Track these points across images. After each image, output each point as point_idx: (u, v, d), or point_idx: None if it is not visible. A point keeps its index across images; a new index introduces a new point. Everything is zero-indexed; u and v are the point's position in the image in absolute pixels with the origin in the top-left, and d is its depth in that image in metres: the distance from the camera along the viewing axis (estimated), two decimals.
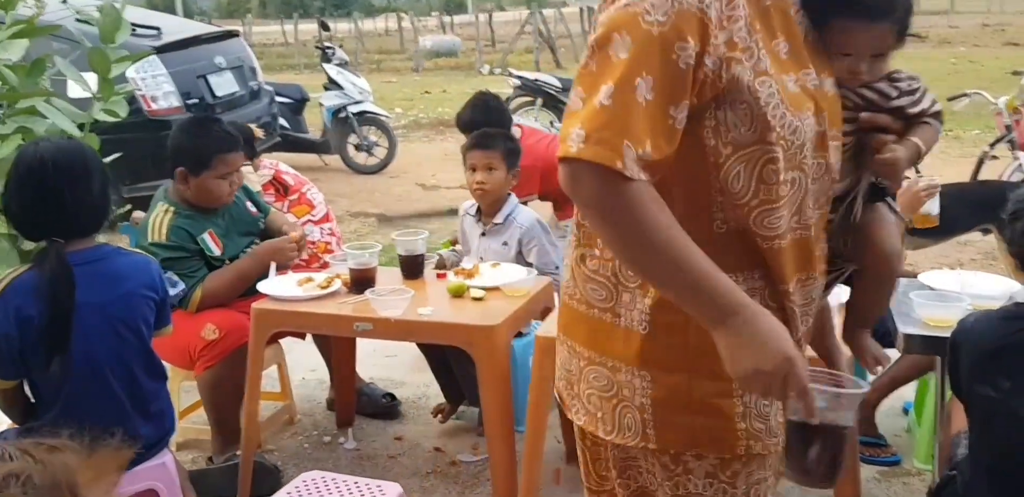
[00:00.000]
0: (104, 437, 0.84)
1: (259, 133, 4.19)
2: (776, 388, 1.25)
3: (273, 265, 3.18)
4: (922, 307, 2.38)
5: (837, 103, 1.41)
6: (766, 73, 1.29)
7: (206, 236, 3.13)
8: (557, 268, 3.33)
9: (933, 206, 3.22)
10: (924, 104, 1.47)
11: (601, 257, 1.41)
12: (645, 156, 1.22)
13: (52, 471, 0.75)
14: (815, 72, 1.36)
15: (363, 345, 3.76)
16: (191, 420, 3.39)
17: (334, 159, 8.97)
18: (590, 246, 1.43)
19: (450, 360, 3.30)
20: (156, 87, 6.57)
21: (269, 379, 3.55)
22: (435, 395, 3.60)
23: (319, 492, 2.33)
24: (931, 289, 2.61)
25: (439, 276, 3.15)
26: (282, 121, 8.56)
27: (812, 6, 1.37)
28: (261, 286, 3.03)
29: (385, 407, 3.60)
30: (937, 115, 1.49)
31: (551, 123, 9.06)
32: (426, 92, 14.95)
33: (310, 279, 3.07)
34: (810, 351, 1.54)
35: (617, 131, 1.22)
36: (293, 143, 8.68)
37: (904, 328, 2.37)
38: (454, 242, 3.81)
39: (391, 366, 4.02)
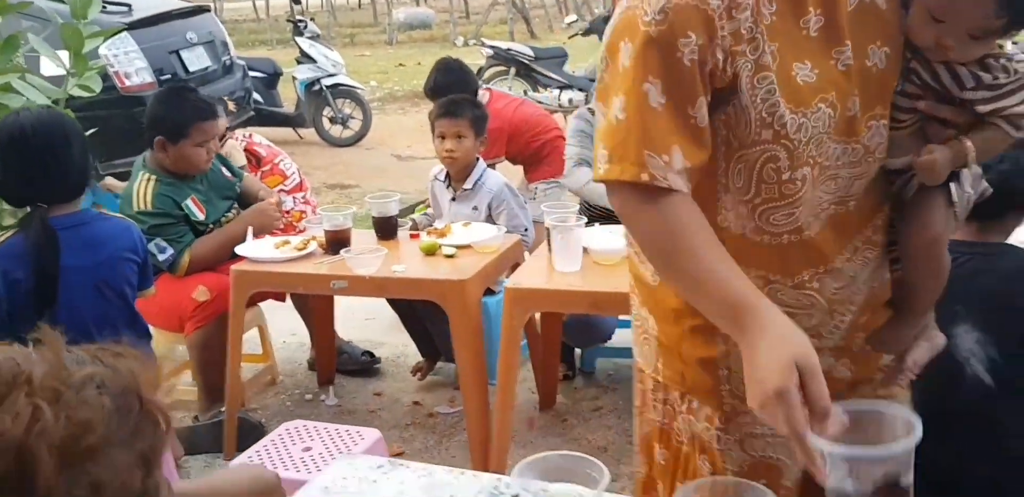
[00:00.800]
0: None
1: (231, 106, 4.27)
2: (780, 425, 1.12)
3: (251, 229, 3.29)
4: None
5: (884, 79, 1.30)
6: (768, 68, 1.23)
7: (189, 202, 3.23)
8: (526, 230, 3.45)
9: None
10: (1004, 103, 1.28)
11: None
12: (676, 163, 1.20)
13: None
14: (852, 47, 1.26)
15: (342, 308, 3.88)
16: (179, 380, 3.50)
17: (309, 132, 9.01)
18: None
19: (424, 319, 3.42)
20: (128, 63, 6.59)
21: (251, 343, 3.66)
22: (413, 354, 3.73)
23: (301, 439, 2.46)
24: None
25: (412, 236, 3.26)
26: (256, 95, 8.57)
27: None
28: (239, 249, 3.14)
29: (365, 365, 3.73)
30: (1016, 119, 1.29)
31: (524, 92, 9.14)
32: (400, 65, 14.92)
33: (287, 242, 3.18)
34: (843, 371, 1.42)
35: (636, 144, 1.20)
36: (267, 117, 8.70)
37: None
38: (426, 206, 3.92)
39: (370, 328, 4.14)
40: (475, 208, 3.45)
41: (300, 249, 3.10)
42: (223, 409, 3.13)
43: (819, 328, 1.39)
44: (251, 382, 3.54)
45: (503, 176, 3.60)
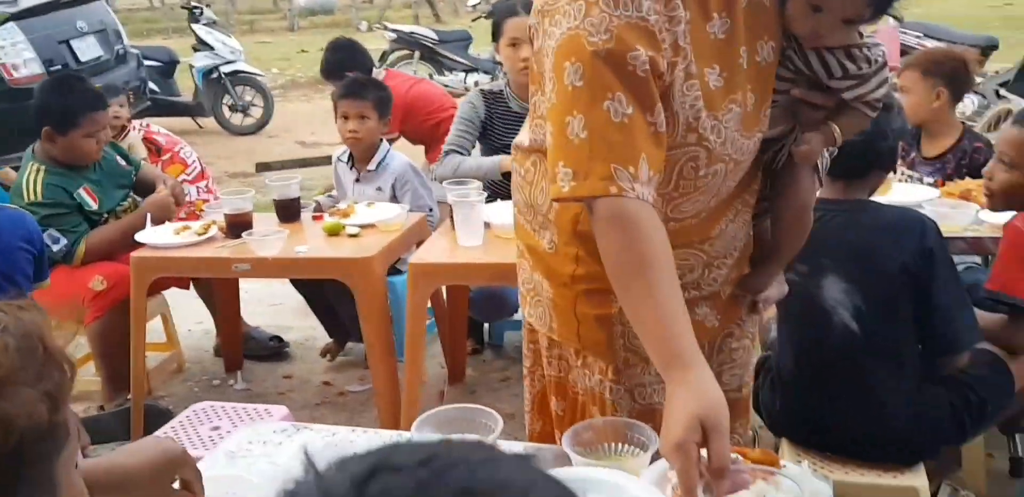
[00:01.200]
0: None
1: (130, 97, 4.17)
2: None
3: (149, 216, 3.24)
4: None
5: (771, 71, 1.40)
6: (693, 76, 1.31)
7: (82, 191, 3.17)
8: (431, 210, 3.48)
9: None
10: (864, 89, 1.41)
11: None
12: (643, 173, 1.24)
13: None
14: (746, 44, 1.35)
15: (248, 296, 3.85)
16: (79, 373, 3.43)
17: (209, 122, 8.84)
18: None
19: (331, 300, 3.43)
20: (16, 55, 6.36)
21: (157, 332, 3.62)
22: (322, 337, 3.73)
23: (209, 419, 2.46)
24: None
25: (315, 218, 3.26)
26: (151, 85, 8.38)
27: None
28: (139, 236, 3.10)
29: (273, 349, 3.72)
30: (874, 103, 1.45)
31: (430, 75, 9.12)
32: (303, 51, 14.68)
33: (187, 227, 3.15)
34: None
35: (603, 159, 1.24)
36: (165, 107, 8.50)
37: None
38: (328, 189, 3.91)
39: (277, 313, 4.12)
40: (379, 189, 3.47)
41: (201, 234, 3.07)
42: (129, 397, 3.09)
43: (699, 281, 1.51)
44: (156, 370, 3.50)
45: (407, 157, 3.62)
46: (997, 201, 2.25)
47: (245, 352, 3.66)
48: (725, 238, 1.51)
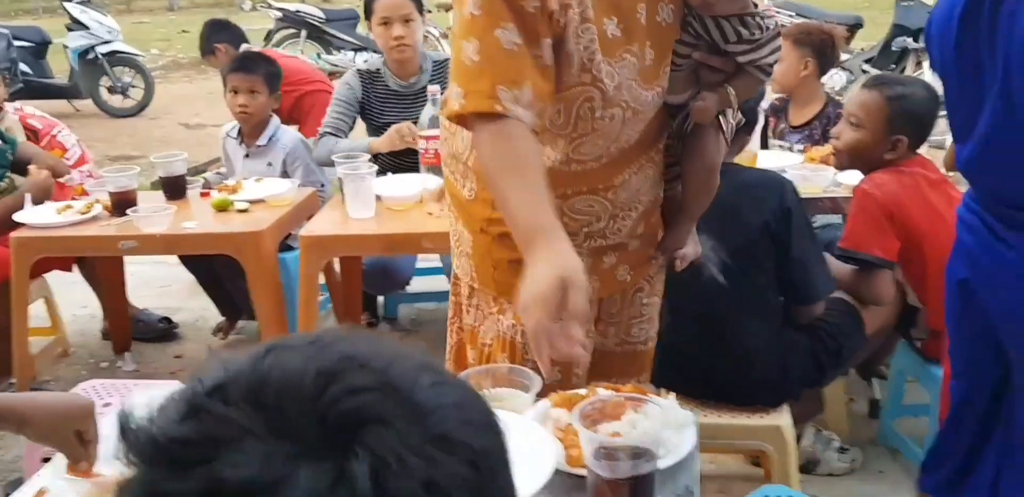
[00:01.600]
0: None
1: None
2: (542, 332, 1.24)
3: (28, 196, 3.16)
4: None
5: (671, 32, 1.52)
6: (589, 20, 1.42)
7: None
8: (323, 186, 3.49)
9: None
10: (756, 55, 1.53)
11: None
12: (524, 96, 1.35)
13: None
14: (647, 4, 1.47)
15: (136, 279, 3.79)
16: None
17: (86, 104, 8.54)
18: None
19: (223, 278, 3.41)
20: None
21: (39, 317, 3.53)
22: (213, 317, 3.70)
23: (100, 397, 2.43)
24: None
25: (203, 195, 3.23)
26: (23, 66, 8.04)
27: None
28: (18, 216, 3.02)
29: (163, 331, 3.67)
30: (766, 67, 1.57)
31: (318, 55, 9.01)
32: (184, 31, 14.24)
33: (69, 206, 3.08)
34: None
35: (490, 80, 1.35)
36: (38, 89, 8.17)
37: None
38: (217, 166, 3.87)
39: (166, 295, 4.07)
40: (269, 165, 3.45)
41: (84, 213, 3.01)
42: (13, 381, 3.03)
43: (605, 230, 1.65)
44: (41, 355, 3.42)
45: (298, 133, 3.61)
46: (843, 159, 2.43)
47: (134, 335, 3.60)
48: (630, 189, 1.62)
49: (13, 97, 7.43)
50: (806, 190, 2.48)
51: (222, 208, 3.04)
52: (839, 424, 2.61)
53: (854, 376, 2.83)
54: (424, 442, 0.53)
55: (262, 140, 3.43)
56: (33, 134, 3.91)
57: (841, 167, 2.52)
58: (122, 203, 3.01)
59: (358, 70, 3.44)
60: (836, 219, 2.89)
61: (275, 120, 3.49)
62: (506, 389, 1.49)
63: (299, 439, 0.51)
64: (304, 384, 0.54)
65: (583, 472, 1.24)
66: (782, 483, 2.07)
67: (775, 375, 2.11)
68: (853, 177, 2.76)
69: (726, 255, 2.06)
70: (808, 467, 2.45)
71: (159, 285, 4.13)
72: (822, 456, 2.48)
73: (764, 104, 3.08)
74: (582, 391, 1.46)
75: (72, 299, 3.83)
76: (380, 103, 3.35)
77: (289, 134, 3.50)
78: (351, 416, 0.52)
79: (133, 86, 8.56)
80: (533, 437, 1.32)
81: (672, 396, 1.41)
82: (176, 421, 0.54)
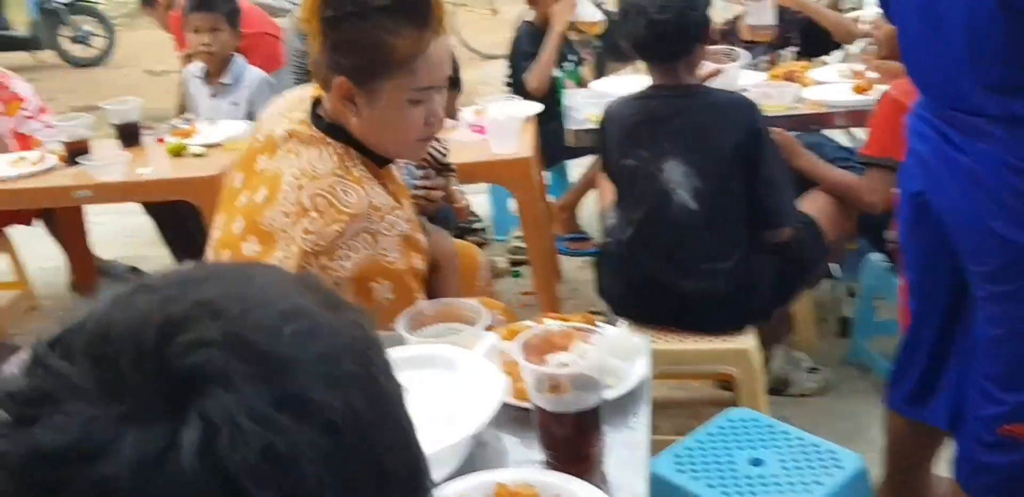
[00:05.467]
0: None
1: None
2: None
3: None
4: (584, 106, 2.70)
5: None
6: None
7: None
8: None
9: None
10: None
11: None
12: None
13: None
14: None
15: (102, 227, 3.73)
16: None
17: (48, 55, 8.32)
18: None
19: (188, 225, 3.35)
20: None
21: (3, 273, 3.49)
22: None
23: None
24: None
25: (158, 141, 3.15)
26: None
27: None
28: None
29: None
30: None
31: None
32: None
33: (23, 158, 3.01)
34: None
35: None
36: None
37: (571, 125, 2.70)
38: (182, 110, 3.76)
39: (133, 245, 4.01)
40: (235, 103, 3.37)
41: (36, 163, 2.94)
42: None
43: None
44: (8, 310, 3.39)
45: (263, 72, 3.51)
46: (883, 49, 2.30)
47: (103, 286, 3.57)
48: None
49: None
50: (769, 108, 2.43)
51: (177, 153, 2.97)
52: (809, 344, 2.61)
53: (823, 296, 2.81)
54: (269, 404, 0.46)
55: (227, 78, 3.35)
56: None
57: (884, 57, 2.37)
58: (76, 152, 2.94)
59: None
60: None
61: (239, 58, 3.40)
62: (454, 324, 1.46)
63: (133, 400, 0.45)
64: (146, 336, 0.47)
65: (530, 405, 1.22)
66: (752, 407, 2.07)
67: (742, 298, 2.09)
68: (818, 93, 2.69)
69: (698, 180, 2.02)
70: (779, 389, 2.45)
71: (126, 235, 4.07)
72: (792, 377, 2.48)
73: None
74: (530, 323, 1.42)
75: (37, 253, 3.77)
76: None
77: (254, 72, 3.41)
78: (192, 373, 0.46)
79: (95, 35, 8.34)
80: (479, 371, 1.30)
81: (623, 324, 1.38)
82: (18, 375, 0.48)
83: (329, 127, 1.53)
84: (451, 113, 2.39)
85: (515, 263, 3.48)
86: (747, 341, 2.10)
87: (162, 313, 0.48)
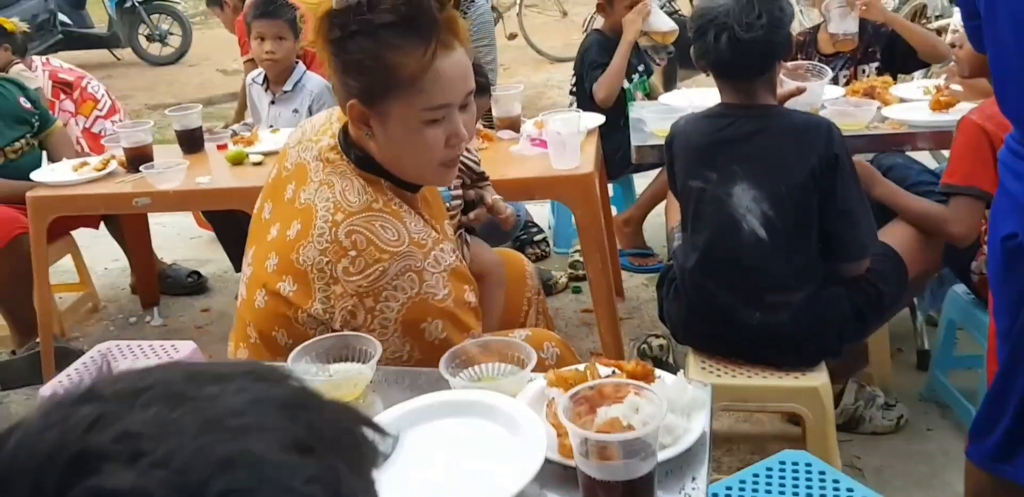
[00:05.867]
0: None
1: (22, 27, 3.91)
2: None
3: (44, 153, 3.09)
4: (651, 121, 2.58)
5: None
6: None
7: None
8: None
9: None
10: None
11: None
12: None
13: None
14: None
15: (165, 229, 3.75)
16: None
17: (126, 53, 8.50)
18: None
19: (246, 232, 3.32)
20: None
21: (70, 273, 3.52)
22: None
23: (114, 359, 2.38)
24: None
25: (219, 148, 3.14)
26: (62, 17, 8.00)
27: None
28: (35, 175, 2.97)
29: (192, 285, 3.63)
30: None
31: None
32: None
33: (85, 163, 3.01)
34: None
35: None
36: (78, 39, 8.15)
37: (636, 141, 2.59)
38: (243, 115, 3.77)
39: (195, 247, 4.03)
40: (295, 111, 3.35)
41: (99, 169, 2.94)
42: (39, 340, 3.01)
43: None
44: (70, 311, 3.41)
45: (323, 79, 3.48)
46: (964, 67, 2.15)
47: (163, 289, 3.57)
48: None
49: (53, 48, 7.45)
50: (847, 127, 2.28)
51: (237, 161, 2.95)
52: (884, 378, 2.45)
53: (901, 325, 2.65)
54: None
55: (288, 85, 3.34)
56: (67, 86, 3.84)
57: (965, 75, 2.22)
58: (137, 159, 2.93)
59: None
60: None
61: (300, 66, 3.38)
62: (500, 365, 1.37)
63: None
64: (48, 477, 0.41)
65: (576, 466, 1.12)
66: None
67: (813, 332, 1.95)
68: (899, 112, 2.54)
69: (768, 207, 1.89)
70: (851, 425, 2.31)
71: (189, 237, 4.09)
72: (865, 414, 2.33)
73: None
74: (580, 367, 1.33)
75: (102, 254, 3.81)
76: None
77: (314, 79, 3.39)
78: None
79: (171, 34, 8.48)
80: (522, 423, 1.21)
81: (680, 374, 1.27)
82: None
83: (357, 154, 1.46)
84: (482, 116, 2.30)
85: (575, 278, 3.37)
86: (817, 378, 1.97)
87: (80, 444, 0.42)
